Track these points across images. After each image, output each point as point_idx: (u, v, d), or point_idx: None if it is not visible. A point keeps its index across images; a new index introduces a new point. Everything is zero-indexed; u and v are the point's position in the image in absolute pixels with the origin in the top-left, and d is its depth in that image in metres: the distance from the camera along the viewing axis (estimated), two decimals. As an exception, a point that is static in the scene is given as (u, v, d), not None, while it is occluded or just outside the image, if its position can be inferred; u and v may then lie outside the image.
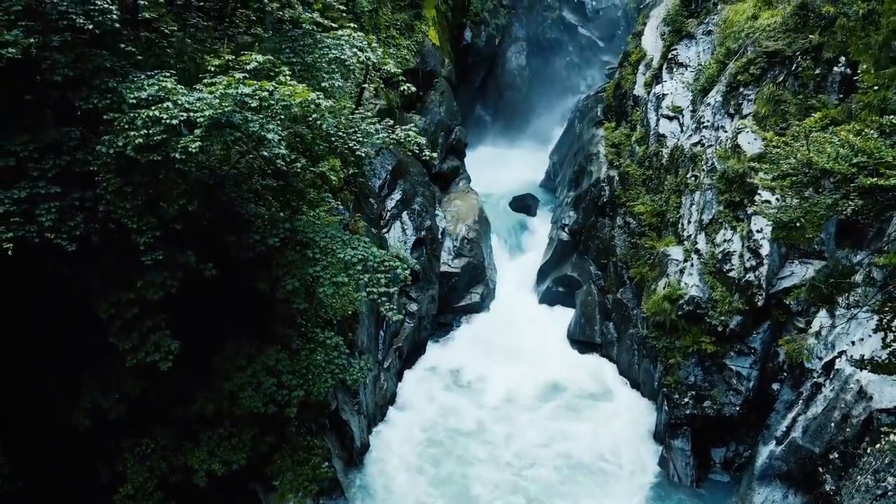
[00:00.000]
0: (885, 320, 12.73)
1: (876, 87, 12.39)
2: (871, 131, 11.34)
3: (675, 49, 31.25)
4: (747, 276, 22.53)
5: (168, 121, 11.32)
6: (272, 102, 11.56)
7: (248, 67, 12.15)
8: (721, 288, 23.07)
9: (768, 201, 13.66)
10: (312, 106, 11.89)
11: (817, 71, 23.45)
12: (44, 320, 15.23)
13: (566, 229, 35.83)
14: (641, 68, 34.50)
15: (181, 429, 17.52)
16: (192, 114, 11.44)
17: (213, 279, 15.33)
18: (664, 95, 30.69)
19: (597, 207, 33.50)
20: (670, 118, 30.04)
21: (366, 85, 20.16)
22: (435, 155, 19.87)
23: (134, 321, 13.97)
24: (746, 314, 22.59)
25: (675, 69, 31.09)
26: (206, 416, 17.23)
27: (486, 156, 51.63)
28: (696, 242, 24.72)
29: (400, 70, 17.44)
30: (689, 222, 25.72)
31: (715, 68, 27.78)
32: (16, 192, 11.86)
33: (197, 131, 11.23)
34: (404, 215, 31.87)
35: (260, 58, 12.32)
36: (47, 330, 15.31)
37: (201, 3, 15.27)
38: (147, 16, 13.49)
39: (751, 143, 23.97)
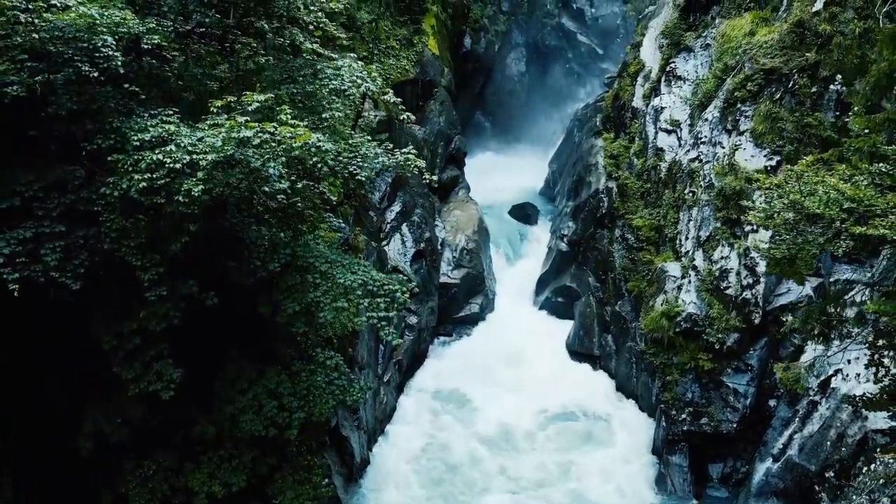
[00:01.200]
0: (876, 356, 12.91)
1: (867, 131, 12.51)
2: (862, 178, 11.51)
3: (674, 62, 31.39)
4: (744, 293, 22.70)
5: (171, 165, 11.50)
6: (273, 144, 11.74)
7: (249, 109, 12.32)
8: (718, 305, 23.25)
9: (764, 225, 13.75)
10: (314, 149, 12.07)
11: (814, 89, 23.63)
12: (45, 345, 15.37)
13: (565, 240, 35.99)
14: (640, 80, 34.65)
15: (182, 450, 17.66)
16: (195, 156, 11.61)
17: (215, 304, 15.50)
18: (662, 108, 30.85)
19: (595, 219, 33.64)
20: (668, 132, 30.21)
21: (364, 106, 20.26)
22: (435, 178, 20.03)
23: (136, 351, 14.14)
24: (743, 332, 22.77)
25: (673, 82, 31.23)
26: (208, 438, 17.40)
27: (486, 162, 51.79)
28: (694, 259, 24.89)
29: (400, 100, 17.59)
30: (687, 238, 25.89)
31: (713, 83, 27.91)
32: (21, 232, 12.01)
33: (200, 174, 11.40)
34: (404, 227, 32.03)
35: (261, 98, 12.47)
36: (49, 355, 15.44)
37: (203, 30, 15.37)
38: (149, 46, 13.59)
39: (748, 161, 24.15)
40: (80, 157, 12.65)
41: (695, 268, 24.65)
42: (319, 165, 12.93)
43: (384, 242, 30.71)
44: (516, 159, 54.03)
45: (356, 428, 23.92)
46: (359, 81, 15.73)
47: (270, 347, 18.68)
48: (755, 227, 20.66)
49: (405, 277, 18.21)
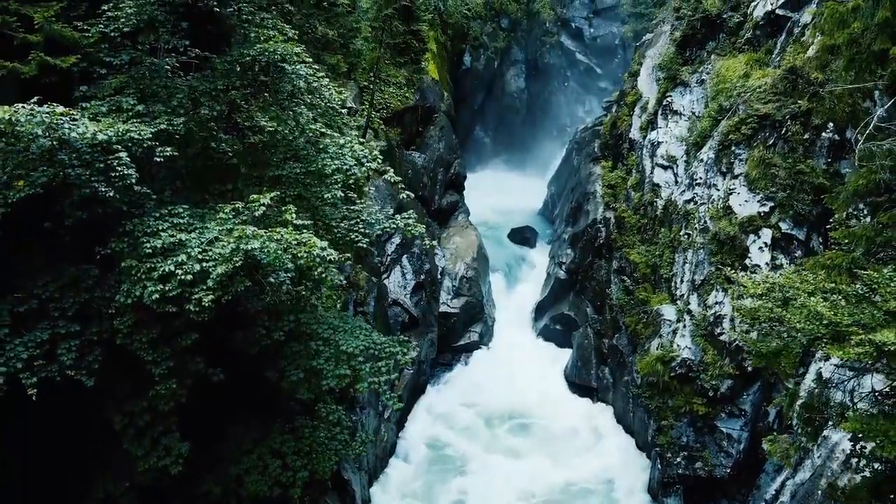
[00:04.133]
0: (857, 446, 13.37)
1: (847, 242, 12.91)
2: (839, 297, 11.97)
3: (670, 96, 31.79)
4: (737, 340, 23.13)
5: (182, 276, 11.97)
6: (280, 252, 12.20)
7: (256, 214, 12.77)
8: (712, 351, 23.69)
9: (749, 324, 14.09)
10: (318, 259, 12.53)
11: (806, 136, 24.03)
12: (55, 417, 15.77)
13: (563, 267, 36.45)
14: (637, 111, 35.06)
15: (189, 508, 18.15)
16: (205, 264, 12.07)
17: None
18: (659, 143, 31.26)
19: (594, 248, 34.11)
20: (665, 167, 30.61)
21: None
22: (435, 243, 20.53)
23: (146, 427, 14.60)
24: (737, 378, 23.20)
25: (669, 116, 31.62)
26: (213, 497, 17.86)
27: (486, 179, 52.42)
28: (689, 303, 25.33)
29: (400, 178, 18.04)
30: (682, 281, 26.32)
31: (708, 122, 28.30)
32: (38, 334, 12.47)
33: (210, 282, 11.86)
34: (404, 259, 32.48)
35: (267, 200, 12.93)
36: (57, 427, 15.85)
37: (214, 113, 15.68)
38: (161, 159, 13.79)
39: (742, 206, 24.57)
40: (92, 248, 13.07)
41: (689, 312, 25.10)
42: (325, 276, 13.44)
43: (384, 276, 31.16)
44: (516, 175, 54.69)
45: (357, 469, 24.37)
46: (361, 158, 16.22)
47: (274, 403, 19.15)
48: (741, 334, 21.11)
49: (405, 338, 18.60)
